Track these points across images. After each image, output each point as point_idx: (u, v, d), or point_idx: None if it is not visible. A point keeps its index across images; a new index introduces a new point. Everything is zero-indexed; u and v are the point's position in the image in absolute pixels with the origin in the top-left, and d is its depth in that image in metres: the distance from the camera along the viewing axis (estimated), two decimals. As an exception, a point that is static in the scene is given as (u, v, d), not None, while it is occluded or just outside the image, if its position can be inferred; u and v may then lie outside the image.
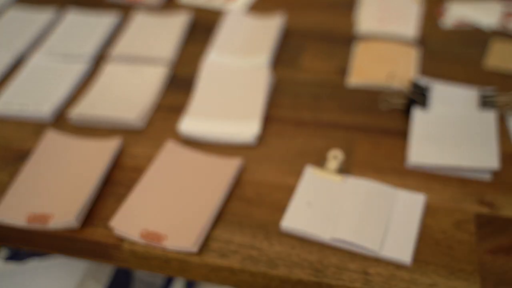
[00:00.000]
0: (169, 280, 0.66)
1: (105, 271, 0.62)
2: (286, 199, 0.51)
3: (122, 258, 0.49)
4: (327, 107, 0.61)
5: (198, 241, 0.47)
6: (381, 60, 0.66)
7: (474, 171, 0.51)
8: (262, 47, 0.69)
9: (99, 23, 0.77)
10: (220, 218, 0.50)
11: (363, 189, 0.49)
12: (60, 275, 0.60)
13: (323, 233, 0.46)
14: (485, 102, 0.57)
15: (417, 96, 0.58)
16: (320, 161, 0.54)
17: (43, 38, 0.75)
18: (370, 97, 0.62)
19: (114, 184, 0.54)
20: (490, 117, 0.55)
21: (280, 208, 0.50)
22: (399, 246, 0.45)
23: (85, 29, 0.76)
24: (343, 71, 0.66)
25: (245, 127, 0.57)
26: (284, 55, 0.69)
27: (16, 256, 0.63)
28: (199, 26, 0.76)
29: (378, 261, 0.45)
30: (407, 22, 0.73)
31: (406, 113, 0.58)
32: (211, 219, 0.49)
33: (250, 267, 0.46)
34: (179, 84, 0.66)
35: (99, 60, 0.71)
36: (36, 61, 0.71)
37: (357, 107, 0.60)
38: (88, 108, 0.62)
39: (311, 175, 0.50)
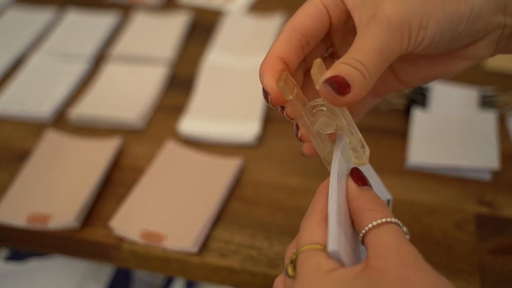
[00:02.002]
0: (169, 280, 0.66)
1: (105, 271, 0.62)
2: (286, 199, 0.51)
3: (122, 258, 0.49)
4: (327, 107, 0.61)
5: (198, 241, 0.47)
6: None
7: (474, 171, 0.51)
8: (262, 47, 0.68)
9: (99, 23, 0.77)
10: (220, 218, 0.50)
11: None
12: (60, 275, 0.60)
13: None
14: (485, 102, 0.57)
15: (417, 96, 0.58)
16: (319, 161, 0.54)
17: (43, 38, 0.75)
18: (370, 97, 0.61)
19: (114, 184, 0.54)
20: (490, 117, 0.55)
21: (280, 208, 0.50)
22: None
23: (85, 29, 0.76)
24: (343, 71, 0.66)
25: (245, 127, 0.57)
26: (284, 55, 0.69)
27: (16, 256, 0.63)
28: (199, 26, 0.76)
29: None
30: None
31: (406, 113, 0.58)
32: (211, 219, 0.49)
33: (250, 267, 0.46)
34: (179, 84, 0.66)
35: (99, 60, 0.71)
36: (36, 61, 0.71)
37: (357, 107, 0.60)
38: (88, 108, 0.62)
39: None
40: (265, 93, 0.33)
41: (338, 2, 0.34)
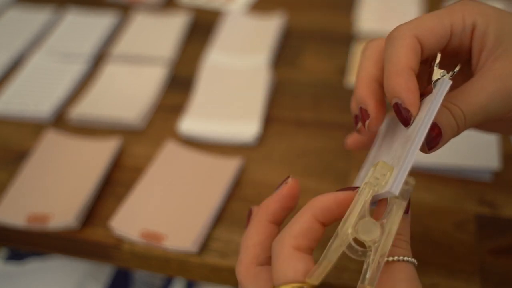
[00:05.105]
0: (169, 280, 0.66)
1: (105, 271, 0.62)
2: (286, 199, 0.51)
3: (122, 258, 0.49)
4: (327, 107, 0.61)
5: (198, 241, 0.47)
6: (381, 60, 0.66)
7: (475, 171, 0.51)
8: (262, 47, 0.68)
9: (99, 23, 0.77)
10: (220, 218, 0.50)
11: None
12: (60, 275, 0.60)
13: None
14: (485, 102, 0.57)
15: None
16: (319, 161, 0.54)
17: (42, 38, 0.75)
18: (370, 97, 0.61)
19: (114, 184, 0.54)
20: (490, 117, 0.55)
21: (280, 208, 0.50)
22: None
23: (85, 29, 0.76)
24: (343, 71, 0.66)
25: (245, 127, 0.57)
26: (284, 55, 0.69)
27: (16, 256, 0.63)
28: (199, 26, 0.76)
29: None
30: (407, 22, 0.72)
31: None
32: (211, 219, 0.49)
33: (250, 267, 0.45)
34: (179, 84, 0.66)
35: (99, 60, 0.71)
36: (36, 61, 0.70)
37: (357, 107, 0.60)
38: (88, 108, 0.62)
39: None
40: (404, 111, 0.31)
41: (466, 35, 0.32)
